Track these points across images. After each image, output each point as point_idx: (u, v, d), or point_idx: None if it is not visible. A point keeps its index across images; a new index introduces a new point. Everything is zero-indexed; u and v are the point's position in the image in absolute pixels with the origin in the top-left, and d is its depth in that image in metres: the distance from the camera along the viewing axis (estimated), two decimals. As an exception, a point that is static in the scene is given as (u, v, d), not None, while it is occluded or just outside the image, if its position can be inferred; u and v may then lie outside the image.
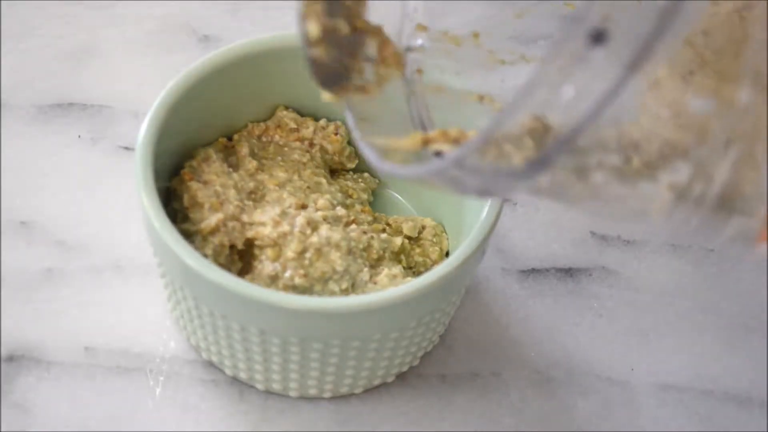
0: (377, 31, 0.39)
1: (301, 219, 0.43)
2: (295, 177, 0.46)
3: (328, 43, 0.38)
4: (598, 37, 0.29)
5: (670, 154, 0.33)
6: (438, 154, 0.36)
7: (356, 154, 0.49)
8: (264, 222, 0.43)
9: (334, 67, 0.38)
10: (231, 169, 0.46)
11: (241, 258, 0.44)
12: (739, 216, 0.34)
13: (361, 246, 0.44)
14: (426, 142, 0.37)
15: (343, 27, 0.38)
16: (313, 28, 0.38)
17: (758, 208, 0.34)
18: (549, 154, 0.30)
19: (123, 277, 0.48)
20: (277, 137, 0.48)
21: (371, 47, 0.39)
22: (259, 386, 0.45)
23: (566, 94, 0.29)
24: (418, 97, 0.41)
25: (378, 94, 0.39)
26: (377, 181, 0.50)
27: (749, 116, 0.33)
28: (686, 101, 0.33)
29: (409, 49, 0.41)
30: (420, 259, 0.46)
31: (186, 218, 0.44)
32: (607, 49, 0.29)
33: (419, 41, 0.41)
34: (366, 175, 0.49)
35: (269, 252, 0.43)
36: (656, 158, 0.33)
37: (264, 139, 0.48)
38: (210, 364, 0.46)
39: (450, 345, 0.48)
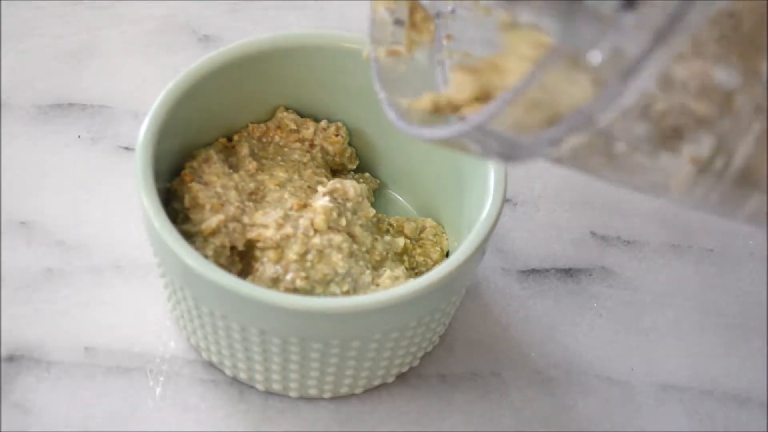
0: None
1: (304, 221, 0.43)
2: (296, 177, 0.46)
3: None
4: (629, 4, 0.29)
5: (694, 126, 0.32)
6: (462, 117, 0.36)
7: (357, 155, 0.49)
8: (266, 224, 0.43)
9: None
10: (231, 170, 0.46)
11: (241, 259, 0.44)
12: (759, 193, 0.34)
13: (364, 248, 0.44)
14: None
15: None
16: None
17: None
18: (571, 120, 0.30)
19: (123, 277, 0.48)
20: (277, 138, 0.48)
21: (402, 11, 0.39)
22: (259, 386, 0.45)
23: (594, 59, 0.29)
24: (445, 63, 0.41)
25: (408, 58, 0.39)
26: (378, 181, 0.50)
27: None
28: (712, 73, 0.33)
29: (439, 15, 0.41)
30: (421, 259, 0.46)
31: (186, 219, 0.44)
32: (637, 14, 0.28)
33: (450, 8, 0.41)
34: (367, 175, 0.49)
35: (271, 254, 0.42)
36: (680, 130, 0.32)
37: (264, 140, 0.48)
38: (210, 364, 0.46)
39: (450, 345, 0.48)
